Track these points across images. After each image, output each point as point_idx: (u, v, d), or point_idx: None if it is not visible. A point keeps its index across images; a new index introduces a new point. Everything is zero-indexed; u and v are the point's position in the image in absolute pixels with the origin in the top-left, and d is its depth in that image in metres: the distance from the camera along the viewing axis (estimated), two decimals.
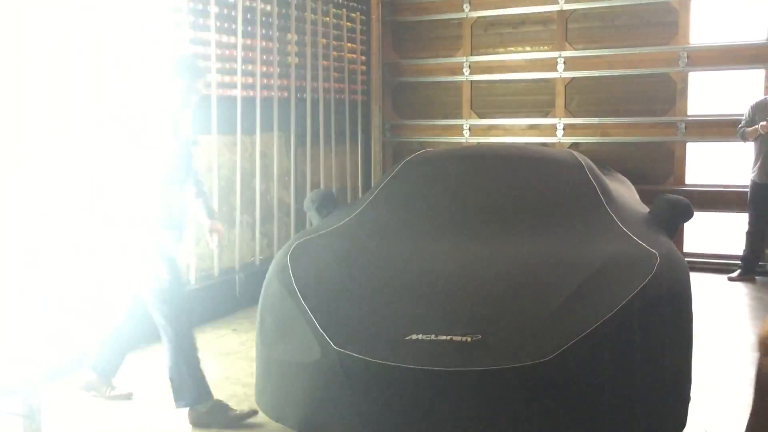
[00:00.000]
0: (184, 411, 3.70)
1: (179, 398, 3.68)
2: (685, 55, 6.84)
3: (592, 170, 4.32)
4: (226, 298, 5.73)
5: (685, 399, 3.21)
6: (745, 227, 6.56)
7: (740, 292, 6.25)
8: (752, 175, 6.43)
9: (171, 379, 3.68)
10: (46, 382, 3.55)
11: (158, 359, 4.08)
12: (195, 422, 3.66)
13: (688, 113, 6.99)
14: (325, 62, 7.02)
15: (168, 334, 3.65)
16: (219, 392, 3.82)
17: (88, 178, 4.48)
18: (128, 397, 4.05)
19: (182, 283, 3.84)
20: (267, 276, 3.68)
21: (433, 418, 2.91)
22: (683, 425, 3.17)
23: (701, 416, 3.56)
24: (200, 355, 3.74)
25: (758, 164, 6.34)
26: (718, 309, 5.65)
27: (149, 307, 3.72)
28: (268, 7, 6.24)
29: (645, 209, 4.23)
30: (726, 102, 7.42)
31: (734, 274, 6.60)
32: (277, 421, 3.33)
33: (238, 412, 3.69)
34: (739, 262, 6.62)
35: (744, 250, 6.57)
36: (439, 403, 2.90)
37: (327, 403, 3.07)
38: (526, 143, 7.30)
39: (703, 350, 4.34)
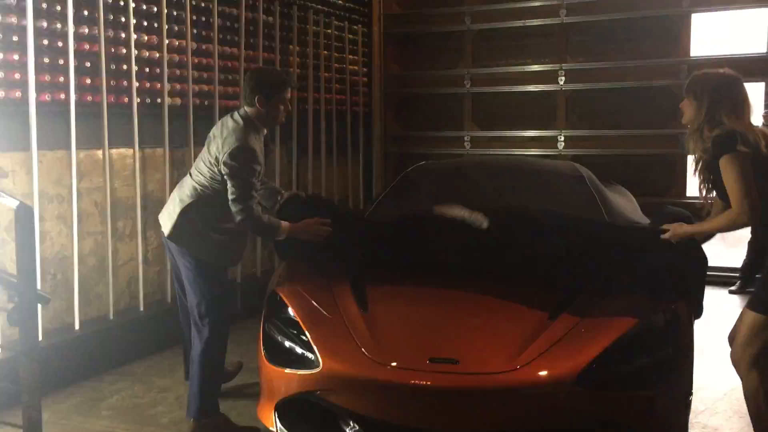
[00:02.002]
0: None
1: (188, 409, 3.66)
2: (686, 67, 6.84)
3: (593, 182, 4.33)
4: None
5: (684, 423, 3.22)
6: (748, 236, 6.54)
7: (741, 305, 6.19)
8: None
9: (189, 386, 3.67)
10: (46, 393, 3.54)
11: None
12: None
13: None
14: (327, 74, 7.05)
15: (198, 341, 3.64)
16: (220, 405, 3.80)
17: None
18: None
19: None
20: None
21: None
22: None
23: None
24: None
25: None
26: (719, 323, 5.61)
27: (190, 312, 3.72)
28: (271, 19, 6.27)
29: (646, 221, 4.22)
30: None
31: (735, 287, 6.58)
32: None
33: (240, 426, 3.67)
34: (739, 274, 6.61)
35: (744, 260, 6.56)
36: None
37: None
38: (527, 155, 7.31)
39: (705, 367, 4.34)
